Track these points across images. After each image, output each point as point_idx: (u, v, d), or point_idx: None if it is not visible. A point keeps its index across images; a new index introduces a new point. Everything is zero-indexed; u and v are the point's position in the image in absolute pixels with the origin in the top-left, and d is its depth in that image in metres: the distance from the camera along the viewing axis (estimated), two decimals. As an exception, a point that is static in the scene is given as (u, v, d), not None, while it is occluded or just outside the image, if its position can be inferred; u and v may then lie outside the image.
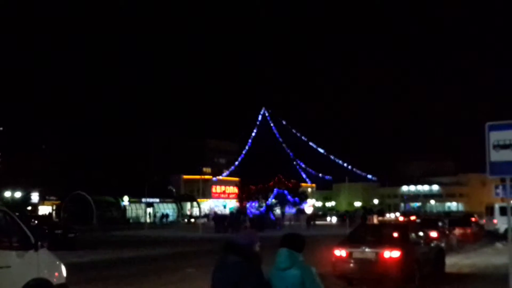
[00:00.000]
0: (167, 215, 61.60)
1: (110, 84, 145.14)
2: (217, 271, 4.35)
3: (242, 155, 68.37)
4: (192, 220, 63.91)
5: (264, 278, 4.31)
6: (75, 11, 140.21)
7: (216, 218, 45.11)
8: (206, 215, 66.78)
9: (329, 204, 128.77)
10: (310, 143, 79.52)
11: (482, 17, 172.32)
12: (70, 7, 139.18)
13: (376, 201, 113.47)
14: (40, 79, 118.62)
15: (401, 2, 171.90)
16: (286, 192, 63.96)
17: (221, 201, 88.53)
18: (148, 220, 56.98)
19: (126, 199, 60.03)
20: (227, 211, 63.88)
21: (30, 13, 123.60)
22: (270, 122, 64.84)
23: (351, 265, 12.01)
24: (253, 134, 65.62)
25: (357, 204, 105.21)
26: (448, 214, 63.71)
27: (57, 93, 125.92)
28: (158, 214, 63.62)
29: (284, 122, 66.78)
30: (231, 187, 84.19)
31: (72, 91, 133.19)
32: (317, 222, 53.73)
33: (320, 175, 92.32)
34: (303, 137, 77.20)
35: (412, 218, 36.14)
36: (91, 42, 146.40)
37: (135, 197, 61.71)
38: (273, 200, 63.81)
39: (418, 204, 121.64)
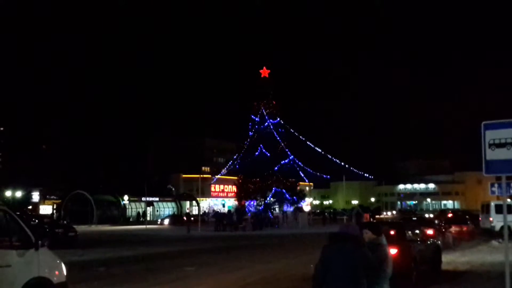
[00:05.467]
0: (144, 214, 61.39)
1: (110, 84, 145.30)
2: (337, 257, 5.18)
3: (241, 154, 68.35)
4: (192, 219, 63.97)
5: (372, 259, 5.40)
6: (75, 11, 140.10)
7: (216, 216, 45.27)
8: (204, 213, 66.85)
9: (327, 202, 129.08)
10: (308, 142, 79.66)
11: (482, 18, 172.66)
12: (70, 7, 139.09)
13: (373, 199, 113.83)
14: (41, 78, 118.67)
15: (401, 2, 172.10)
16: (284, 190, 64.05)
17: (220, 199, 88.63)
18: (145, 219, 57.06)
19: (126, 198, 60.10)
20: (226, 210, 63.97)
21: (30, 13, 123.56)
22: (268, 121, 64.78)
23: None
24: (251, 133, 65.53)
25: (355, 202, 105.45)
26: (443, 212, 63.74)
27: (57, 92, 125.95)
28: (134, 213, 63.37)
29: (282, 122, 66.77)
30: (230, 186, 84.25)
31: (72, 91, 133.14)
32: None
33: (318, 173, 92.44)
34: (300, 136, 77.35)
35: (450, 215, 34.68)
36: (91, 42, 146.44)
37: (135, 196, 61.79)
38: (271, 198, 63.88)
39: (414, 202, 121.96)
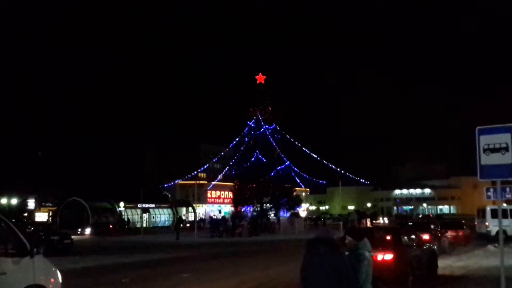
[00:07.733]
0: (128, 221, 60.96)
1: (108, 87, 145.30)
2: (312, 260, 5.30)
3: (237, 160, 68.39)
4: (188, 225, 63.83)
5: (348, 261, 5.41)
6: (74, 11, 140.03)
7: (211, 222, 45.15)
8: (201, 220, 66.68)
9: (323, 207, 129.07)
10: (304, 148, 79.86)
11: (481, 18, 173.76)
12: (69, 7, 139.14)
13: (369, 205, 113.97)
14: (37, 84, 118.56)
15: (402, 2, 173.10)
16: (280, 196, 63.94)
17: (217, 206, 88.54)
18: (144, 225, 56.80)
19: (122, 204, 59.74)
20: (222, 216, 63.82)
21: (29, 13, 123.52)
22: (264, 126, 64.82)
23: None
24: (247, 138, 65.55)
25: (351, 207, 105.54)
26: (440, 217, 63.87)
27: (54, 98, 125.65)
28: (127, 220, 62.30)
29: (278, 127, 66.89)
30: (226, 192, 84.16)
31: (70, 93, 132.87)
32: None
33: (314, 179, 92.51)
34: (296, 142, 77.56)
35: None
36: (90, 43, 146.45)
37: (131, 203, 61.51)
38: (267, 204, 63.78)
39: (410, 207, 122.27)
